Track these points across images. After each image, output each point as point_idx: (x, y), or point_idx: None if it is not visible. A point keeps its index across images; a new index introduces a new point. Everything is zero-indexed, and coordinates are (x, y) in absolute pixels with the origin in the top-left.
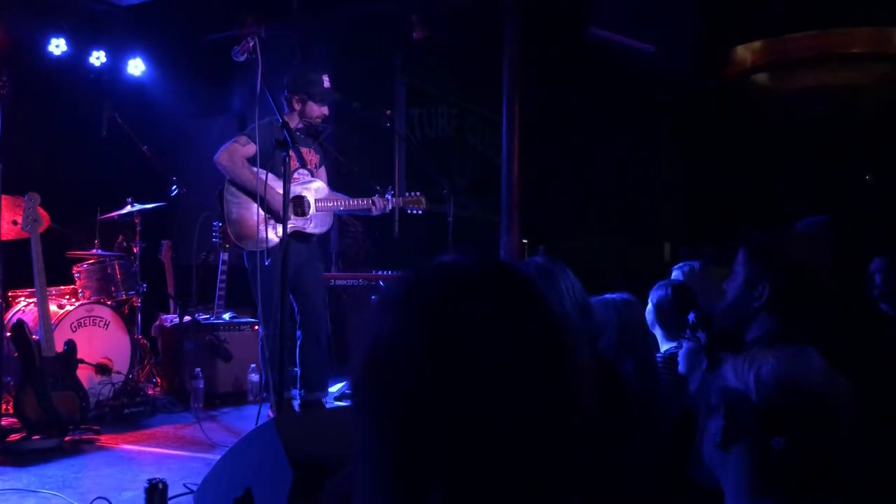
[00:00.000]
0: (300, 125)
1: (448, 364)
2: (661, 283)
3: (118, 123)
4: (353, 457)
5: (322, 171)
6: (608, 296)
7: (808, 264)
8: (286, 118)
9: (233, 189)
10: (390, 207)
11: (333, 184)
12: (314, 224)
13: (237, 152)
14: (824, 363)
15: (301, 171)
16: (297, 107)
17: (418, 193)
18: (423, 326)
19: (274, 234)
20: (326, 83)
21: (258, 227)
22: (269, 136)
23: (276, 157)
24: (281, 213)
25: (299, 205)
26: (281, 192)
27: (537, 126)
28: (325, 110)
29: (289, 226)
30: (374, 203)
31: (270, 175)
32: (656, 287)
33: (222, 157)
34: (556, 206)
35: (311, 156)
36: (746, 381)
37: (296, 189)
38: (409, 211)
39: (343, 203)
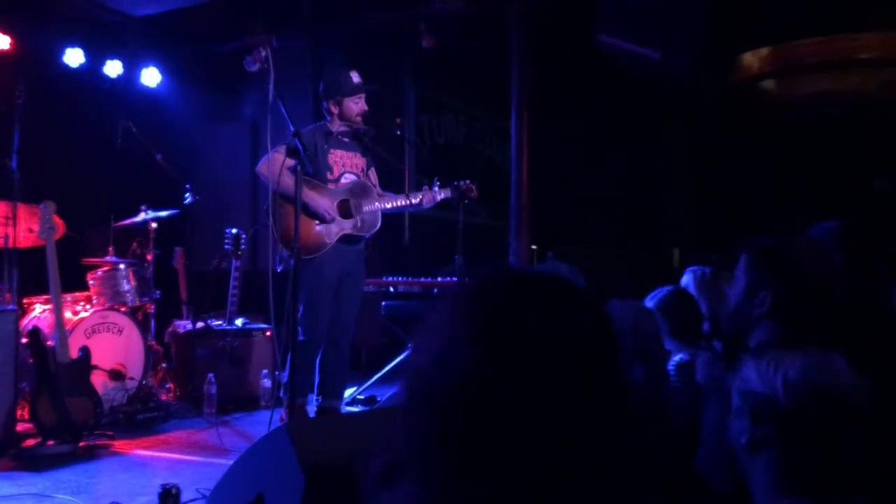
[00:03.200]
0: (342, 128)
1: (511, 370)
2: (651, 296)
3: (133, 133)
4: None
5: (372, 173)
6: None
7: (812, 273)
8: (329, 125)
9: (279, 200)
10: (440, 198)
11: (385, 185)
12: (362, 225)
13: (276, 162)
14: (849, 368)
15: (347, 174)
16: (335, 110)
17: (468, 182)
18: (488, 334)
19: (328, 238)
20: (356, 78)
21: (314, 232)
22: (313, 142)
23: (318, 162)
24: (326, 215)
25: (345, 207)
26: (322, 196)
27: (546, 132)
28: (363, 106)
29: (337, 229)
30: (423, 198)
31: (312, 181)
32: (647, 298)
33: (263, 167)
34: (565, 211)
35: (357, 159)
36: (773, 384)
37: (341, 193)
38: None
39: (390, 202)
